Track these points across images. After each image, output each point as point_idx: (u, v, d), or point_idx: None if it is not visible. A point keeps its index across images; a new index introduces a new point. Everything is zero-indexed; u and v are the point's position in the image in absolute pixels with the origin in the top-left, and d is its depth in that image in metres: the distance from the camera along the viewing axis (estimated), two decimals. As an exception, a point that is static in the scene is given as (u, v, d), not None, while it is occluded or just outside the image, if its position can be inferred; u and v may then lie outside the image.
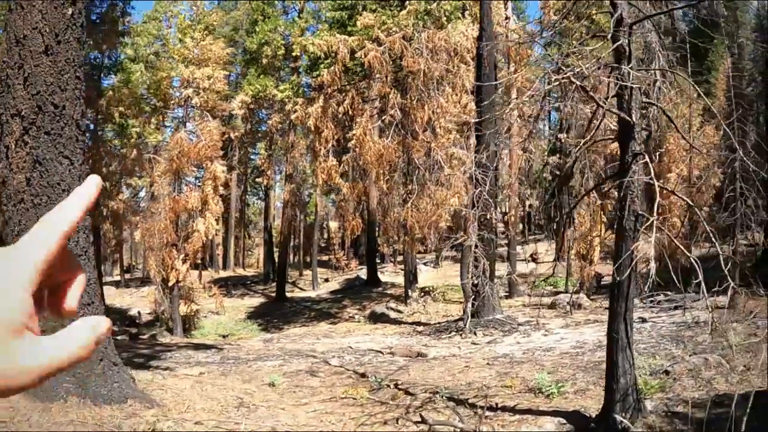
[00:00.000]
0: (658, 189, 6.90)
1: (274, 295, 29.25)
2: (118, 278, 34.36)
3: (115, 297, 29.60)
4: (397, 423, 8.12)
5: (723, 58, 29.34)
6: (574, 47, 8.44)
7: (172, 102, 22.52)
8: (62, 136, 8.84)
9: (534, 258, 27.55)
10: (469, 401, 9.00)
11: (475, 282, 16.97)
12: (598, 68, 7.88)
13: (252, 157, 33.40)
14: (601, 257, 21.77)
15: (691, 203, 8.44)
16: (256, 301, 29.52)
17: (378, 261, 31.21)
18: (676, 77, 25.07)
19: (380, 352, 14.36)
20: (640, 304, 18.66)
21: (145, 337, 22.89)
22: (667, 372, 10.17)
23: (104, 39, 22.19)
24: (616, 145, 26.04)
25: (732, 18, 32.08)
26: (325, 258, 36.49)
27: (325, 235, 44.00)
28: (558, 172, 28.08)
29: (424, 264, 30.95)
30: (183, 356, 15.35)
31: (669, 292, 20.05)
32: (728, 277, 7.49)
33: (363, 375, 11.71)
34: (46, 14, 8.65)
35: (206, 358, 15.11)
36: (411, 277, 22.49)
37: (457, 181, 18.35)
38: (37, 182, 8.82)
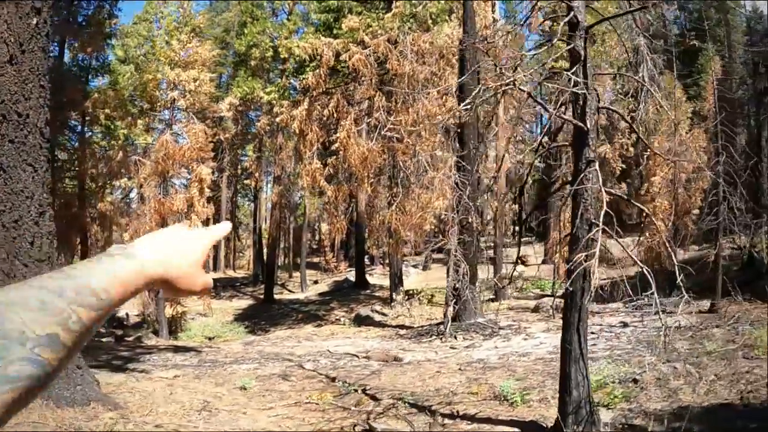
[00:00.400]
0: (606, 196, 6.84)
1: (262, 297, 29.22)
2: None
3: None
4: (354, 429, 8.08)
5: (713, 61, 29.27)
6: (526, 53, 8.39)
7: (159, 104, 22.46)
8: (26, 144, 8.83)
9: (523, 261, 27.43)
10: (432, 408, 8.96)
11: (456, 285, 16.97)
12: (546, 75, 7.83)
13: (242, 158, 33.42)
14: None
15: (643, 208, 8.38)
16: (245, 303, 29.46)
17: (367, 263, 31.17)
18: (664, 81, 24.99)
19: (356, 356, 14.32)
20: (623, 308, 18.60)
21: (130, 339, 22.80)
22: (635, 380, 10.07)
23: (89, 41, 22.14)
24: (605, 148, 25.89)
25: (723, 22, 32.06)
26: (315, 260, 36.49)
27: (317, 237, 44.03)
28: (544, 177, 28.05)
29: (413, 267, 30.90)
30: (162, 359, 15.32)
31: (653, 297, 20.06)
32: (681, 288, 7.44)
33: (333, 379, 11.67)
34: (11, 24, 8.63)
35: (184, 360, 15.07)
36: (396, 280, 22.47)
37: (442, 184, 18.30)
38: (1, 189, 8.80)
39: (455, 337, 16.30)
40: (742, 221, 17.94)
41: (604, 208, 6.64)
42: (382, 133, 17.59)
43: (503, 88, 7.22)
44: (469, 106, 9.44)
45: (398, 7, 20.86)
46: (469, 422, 8.15)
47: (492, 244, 23.24)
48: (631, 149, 27.58)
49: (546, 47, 8.92)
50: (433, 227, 20.07)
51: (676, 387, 9.62)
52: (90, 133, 25.67)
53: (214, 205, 35.50)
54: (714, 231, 19.23)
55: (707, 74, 28.81)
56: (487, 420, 8.20)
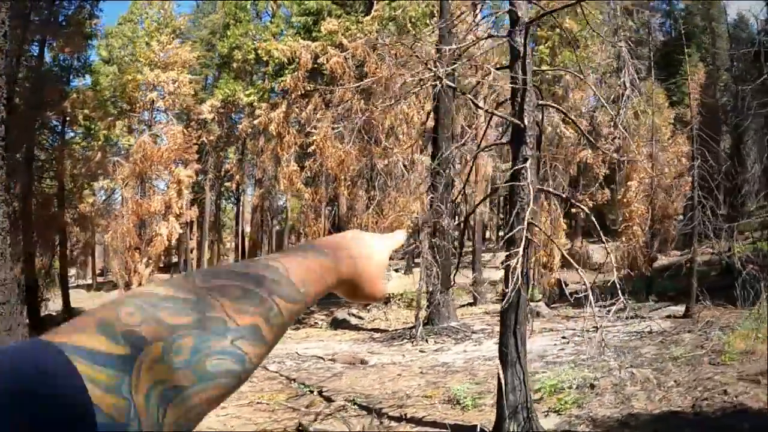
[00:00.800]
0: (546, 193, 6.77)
1: (244, 300, 28.99)
2: (90, 281, 34.24)
3: (84, 300, 29.38)
4: (295, 430, 8.01)
5: (697, 68, 29.35)
6: (464, 48, 8.34)
7: (138, 105, 22.40)
8: (-18, 144, 8.81)
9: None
10: (382, 410, 8.88)
11: (430, 289, 16.89)
12: (474, 68, 7.76)
13: (226, 161, 33.28)
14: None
15: (587, 211, 8.30)
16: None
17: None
18: (645, 86, 24.89)
19: (322, 358, 14.23)
20: (598, 312, 18.56)
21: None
22: (592, 386, 9.99)
23: (67, 41, 22.07)
24: (586, 152, 25.82)
25: (708, 29, 32.13)
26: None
27: (302, 241, 43.81)
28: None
29: (395, 270, 30.80)
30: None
31: (630, 300, 19.97)
32: (619, 291, 7.39)
33: (293, 381, 11.59)
34: (-31, 26, 8.61)
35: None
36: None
37: (418, 186, 18.26)
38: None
39: (426, 341, 16.23)
40: (716, 226, 17.88)
41: (531, 206, 6.55)
42: (356, 122, 17.44)
43: (430, 83, 7.14)
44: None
45: (377, 10, 20.83)
46: (413, 425, 8.08)
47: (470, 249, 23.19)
48: (615, 155, 27.52)
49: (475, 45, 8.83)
50: (409, 231, 19.98)
51: (632, 393, 9.55)
52: (72, 134, 25.60)
53: (198, 208, 35.47)
54: (689, 235, 19.22)
55: (690, 80, 28.87)
56: (432, 423, 8.14)
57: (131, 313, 0.50)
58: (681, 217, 24.54)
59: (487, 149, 13.14)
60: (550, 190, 8.16)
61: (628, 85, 24.29)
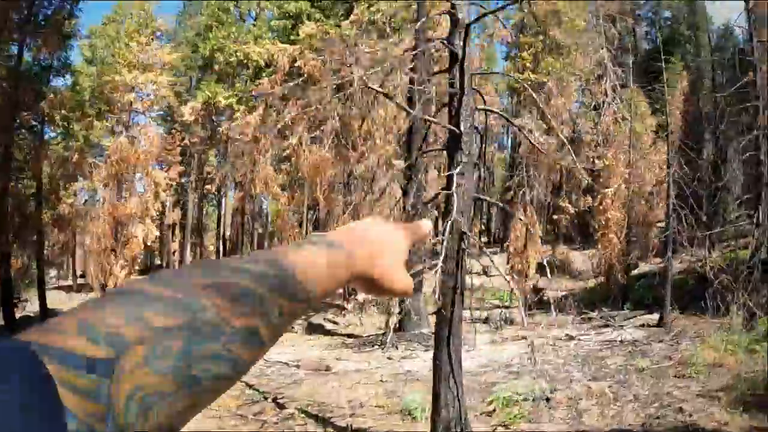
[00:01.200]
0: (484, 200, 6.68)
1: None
2: (70, 283, 34.03)
3: (64, 302, 29.18)
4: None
5: (681, 76, 29.37)
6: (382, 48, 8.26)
7: (116, 107, 22.26)
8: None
9: (486, 271, 27.24)
10: (331, 419, 8.78)
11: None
12: (386, 72, 7.70)
13: (208, 163, 33.23)
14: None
15: (524, 220, 8.22)
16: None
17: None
18: (627, 94, 24.84)
19: (287, 364, 14.10)
20: (571, 321, 18.45)
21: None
22: (548, 399, 9.83)
23: (45, 41, 21.94)
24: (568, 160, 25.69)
25: (693, 38, 32.19)
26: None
27: (284, 244, 43.30)
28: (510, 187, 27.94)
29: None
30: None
31: (605, 309, 19.84)
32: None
33: (251, 387, 11.47)
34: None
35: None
36: (349, 289, 22.16)
37: (392, 191, 18.19)
38: None
39: (396, 348, 16.10)
40: (690, 235, 17.84)
41: (452, 216, 6.44)
42: (332, 127, 17.41)
43: (359, 85, 7.04)
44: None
45: (357, 14, 20.77)
46: (357, 436, 7.97)
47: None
48: (597, 162, 27.55)
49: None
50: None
51: (585, 408, 9.41)
52: (54, 135, 25.45)
53: (181, 210, 35.34)
54: (665, 243, 19.14)
55: (673, 89, 28.90)
56: (376, 434, 8.03)
57: (115, 313, 0.46)
58: (662, 224, 24.52)
59: (426, 155, 13.02)
60: (487, 198, 8.05)
61: (609, 92, 24.27)
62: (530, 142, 10.54)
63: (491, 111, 7.66)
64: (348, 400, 10.24)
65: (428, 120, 7.31)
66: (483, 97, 7.58)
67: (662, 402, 9.58)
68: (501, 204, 10.32)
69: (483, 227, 32.64)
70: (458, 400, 6.77)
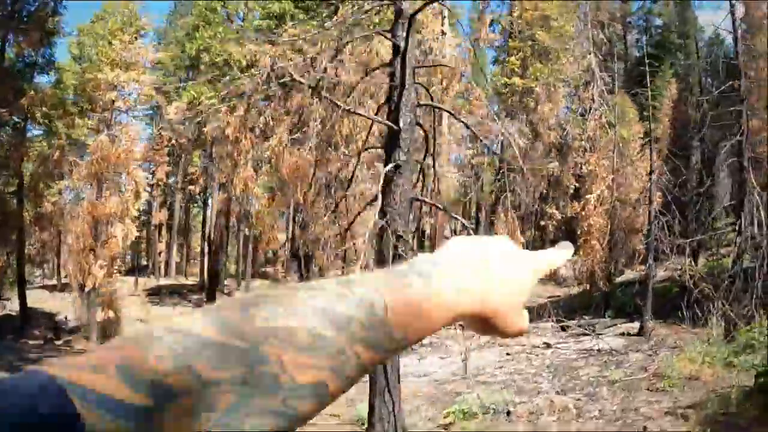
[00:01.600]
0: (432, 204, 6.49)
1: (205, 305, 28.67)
2: (55, 282, 33.80)
3: (46, 301, 28.94)
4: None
5: (670, 83, 29.26)
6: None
7: (98, 105, 22.07)
8: None
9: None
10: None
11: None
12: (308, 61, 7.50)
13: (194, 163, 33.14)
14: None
15: (465, 222, 8.00)
16: (189, 310, 28.87)
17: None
18: (613, 100, 24.68)
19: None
20: (550, 329, 18.21)
21: (59, 342, 22.36)
22: (509, 413, 9.57)
23: (27, 38, 21.77)
24: (554, 165, 25.61)
25: (684, 46, 32.12)
26: (271, 269, 35.99)
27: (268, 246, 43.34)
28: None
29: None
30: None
31: (586, 317, 19.65)
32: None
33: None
34: None
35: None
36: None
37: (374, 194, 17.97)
38: None
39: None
40: (670, 242, 17.66)
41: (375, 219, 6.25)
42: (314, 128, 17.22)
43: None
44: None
45: (341, 15, 20.58)
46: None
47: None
48: (585, 168, 27.37)
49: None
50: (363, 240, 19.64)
51: (546, 424, 9.17)
52: (38, 132, 25.27)
53: (168, 211, 35.16)
54: (647, 251, 18.98)
55: (662, 96, 28.80)
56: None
57: (162, 358, 0.41)
58: (644, 232, 24.35)
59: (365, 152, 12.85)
60: (426, 199, 7.84)
61: (596, 98, 24.12)
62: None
63: (437, 107, 7.44)
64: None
65: (359, 115, 7.11)
66: (429, 92, 7.37)
67: (626, 419, 9.29)
68: (440, 206, 9.90)
69: (470, 233, 32.41)
70: (394, 415, 6.55)
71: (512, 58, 26.31)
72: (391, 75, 6.52)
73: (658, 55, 30.82)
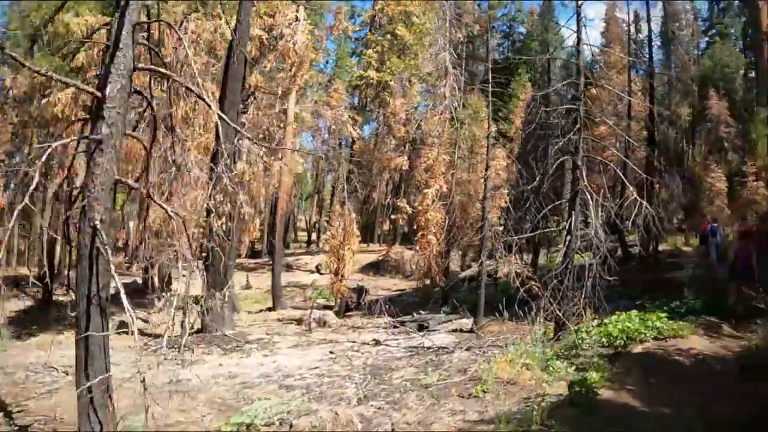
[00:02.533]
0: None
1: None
2: None
3: None
4: None
5: (525, 87, 30.25)
6: None
7: None
8: None
9: (318, 269, 26.90)
10: (30, 430, 7.84)
11: (203, 294, 15.86)
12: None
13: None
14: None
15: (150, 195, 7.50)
16: (29, 303, 26.61)
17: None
18: (472, 98, 24.74)
19: (56, 369, 12.79)
20: (383, 324, 18.03)
21: None
22: (291, 425, 8.78)
23: None
24: (402, 160, 25.46)
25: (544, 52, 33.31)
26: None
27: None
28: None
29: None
30: None
31: (422, 312, 19.62)
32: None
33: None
34: None
35: None
36: (164, 284, 20.91)
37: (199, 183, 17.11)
38: None
39: (192, 351, 15.09)
40: (499, 242, 18.00)
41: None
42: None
43: None
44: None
45: (187, -9, 19.63)
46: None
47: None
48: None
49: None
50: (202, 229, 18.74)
51: (334, 440, 8.50)
52: None
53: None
54: (480, 247, 19.24)
55: (518, 99, 29.65)
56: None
57: None
58: (500, 228, 24.87)
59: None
60: (129, 182, 7.17)
61: (447, 94, 24.11)
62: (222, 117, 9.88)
63: (156, 71, 6.64)
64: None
65: (65, 82, 6.30)
66: (160, 56, 6.71)
67: (426, 433, 8.54)
68: (148, 194, 8.92)
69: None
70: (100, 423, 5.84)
71: (370, 51, 26.10)
72: (112, 33, 5.73)
73: (519, 60, 31.68)
